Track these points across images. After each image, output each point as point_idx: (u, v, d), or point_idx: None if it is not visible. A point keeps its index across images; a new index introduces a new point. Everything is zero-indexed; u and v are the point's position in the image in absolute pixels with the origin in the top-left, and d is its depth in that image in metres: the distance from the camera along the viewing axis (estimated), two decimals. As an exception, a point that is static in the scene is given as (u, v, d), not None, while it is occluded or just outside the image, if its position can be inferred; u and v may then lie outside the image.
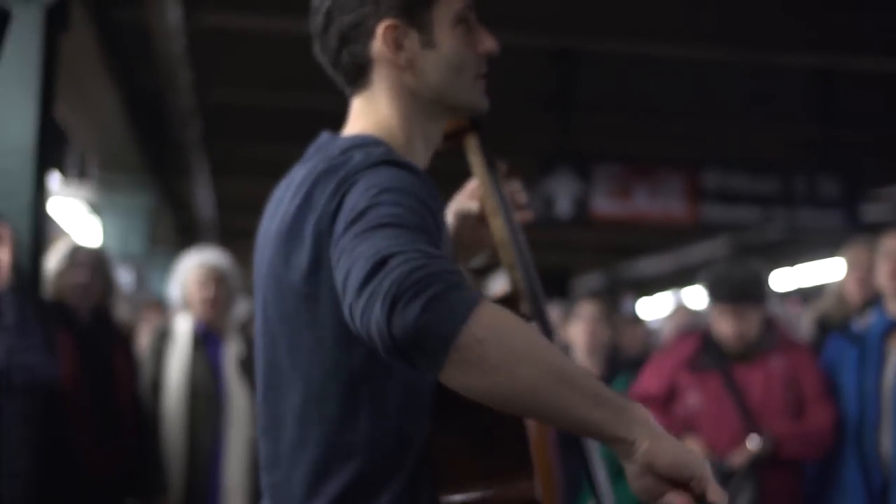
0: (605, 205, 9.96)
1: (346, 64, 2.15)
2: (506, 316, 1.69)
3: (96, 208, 12.58)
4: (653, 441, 1.69)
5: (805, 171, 10.41)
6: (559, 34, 8.87)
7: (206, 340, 5.77)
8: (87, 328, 5.41)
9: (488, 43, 2.17)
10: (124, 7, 7.41)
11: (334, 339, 1.97)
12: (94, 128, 9.94)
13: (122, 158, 11.33)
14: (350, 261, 1.76)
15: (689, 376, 5.12)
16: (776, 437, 4.86)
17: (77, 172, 12.31)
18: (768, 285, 5.24)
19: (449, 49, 2.12)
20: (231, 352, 5.74)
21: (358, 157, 1.99)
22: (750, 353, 5.07)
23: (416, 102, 2.14)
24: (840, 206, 10.37)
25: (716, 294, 5.15)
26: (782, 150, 11.84)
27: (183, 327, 5.77)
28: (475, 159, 2.35)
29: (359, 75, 2.15)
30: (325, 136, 2.18)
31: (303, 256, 1.98)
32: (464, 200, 2.44)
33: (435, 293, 1.64)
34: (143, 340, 6.92)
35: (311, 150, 2.16)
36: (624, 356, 7.07)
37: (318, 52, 2.19)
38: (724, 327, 5.09)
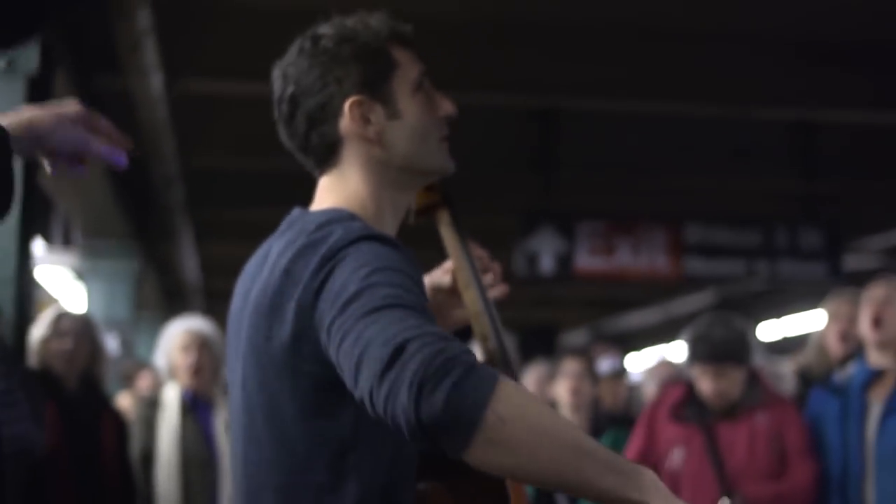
0: (588, 261, 9.99)
1: (315, 145, 2.20)
2: (524, 393, 1.76)
3: (81, 274, 12.56)
4: (664, 502, 1.75)
5: (787, 224, 10.46)
6: (540, 93, 8.94)
7: (195, 407, 5.77)
8: (73, 397, 5.39)
9: (447, 106, 2.23)
10: (106, 75, 7.45)
11: (318, 409, 2.00)
12: (78, 194, 9.97)
13: (106, 224, 11.33)
14: (360, 345, 1.80)
15: (674, 428, 5.10)
16: (751, 500, 4.84)
17: (61, 239, 12.30)
18: (751, 344, 5.22)
19: (413, 117, 2.17)
20: (221, 417, 5.74)
21: (338, 232, 2.02)
22: (734, 410, 5.06)
23: (387, 174, 2.18)
24: (822, 258, 10.41)
25: (696, 353, 5.14)
26: (764, 203, 11.91)
27: (171, 395, 5.77)
28: (447, 233, 2.38)
29: (329, 154, 2.20)
30: (296, 211, 2.21)
31: (284, 330, 2.01)
32: (438, 274, 2.47)
33: (458, 377, 1.70)
34: (124, 403, 6.91)
35: (284, 225, 2.20)
36: (605, 412, 7.09)
37: (286, 139, 2.23)
38: (705, 386, 5.07)
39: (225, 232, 13.97)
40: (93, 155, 2.00)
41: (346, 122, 2.15)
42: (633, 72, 8.65)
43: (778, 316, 17.28)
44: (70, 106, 2.00)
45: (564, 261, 9.88)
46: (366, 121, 2.15)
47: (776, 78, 8.86)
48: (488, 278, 2.45)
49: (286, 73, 2.18)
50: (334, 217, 2.10)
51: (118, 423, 5.64)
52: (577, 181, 10.80)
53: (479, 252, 2.46)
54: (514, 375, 2.25)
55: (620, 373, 7.79)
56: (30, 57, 4.84)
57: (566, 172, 10.15)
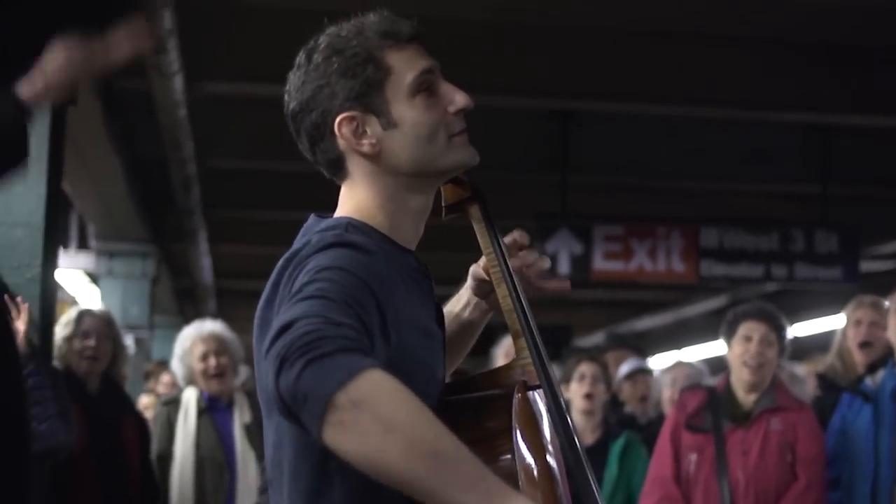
0: (605, 264, 9.99)
1: (321, 161, 2.18)
2: (390, 384, 1.70)
3: (95, 277, 12.57)
4: None
5: (803, 227, 10.46)
6: (557, 96, 8.94)
7: (213, 408, 5.79)
8: (95, 397, 5.40)
9: (459, 99, 2.15)
10: (127, 76, 7.47)
11: None
12: (95, 196, 9.98)
13: (122, 226, 11.35)
14: (270, 330, 1.80)
15: (691, 436, 5.09)
16: None
17: (76, 242, 12.32)
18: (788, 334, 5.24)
19: (412, 123, 2.11)
20: (239, 417, 5.75)
21: (314, 240, 2.01)
22: (749, 415, 5.03)
23: (396, 181, 2.14)
24: (837, 261, 10.42)
25: (746, 313, 5.13)
26: (780, 207, 11.90)
27: (189, 398, 5.79)
28: (479, 228, 2.33)
29: (336, 168, 2.18)
30: (311, 219, 2.20)
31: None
32: (478, 266, 2.42)
33: (319, 354, 1.68)
34: (144, 402, 6.92)
35: (300, 232, 2.19)
36: (625, 414, 7.09)
37: (303, 152, 2.22)
38: (748, 350, 5.03)
39: (238, 233, 13.99)
40: None
41: (340, 139, 2.13)
42: (650, 75, 8.65)
43: (791, 319, 17.25)
44: None
45: (581, 263, 9.89)
46: (359, 135, 2.11)
47: (791, 81, 8.86)
48: (510, 238, 2.38)
49: (289, 88, 2.16)
50: (329, 225, 2.10)
51: (140, 423, 5.66)
52: (594, 184, 10.81)
53: (517, 235, 2.39)
54: (548, 373, 2.19)
55: (640, 372, 7.78)
56: (56, 59, 4.84)
57: (583, 175, 10.16)
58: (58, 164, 5.00)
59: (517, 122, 9.71)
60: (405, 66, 2.12)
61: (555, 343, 16.51)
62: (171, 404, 5.88)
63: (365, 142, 2.12)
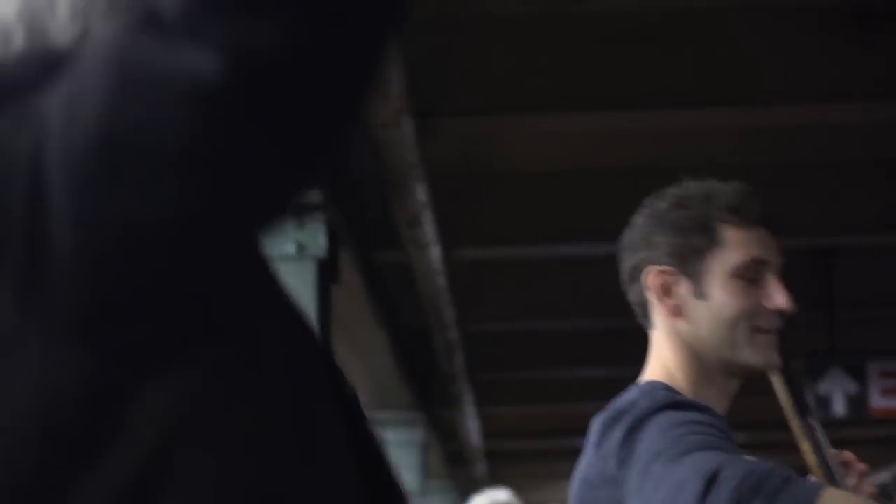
0: (883, 401, 9.66)
1: (632, 301, 2.18)
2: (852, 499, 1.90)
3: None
4: None
5: None
6: (818, 232, 8.77)
7: None
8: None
9: (778, 299, 2.09)
10: (386, 250, 7.66)
11: None
12: (363, 369, 10.18)
13: (389, 396, 11.53)
14: (673, 486, 1.82)
15: None
16: None
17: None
18: None
19: (719, 302, 2.08)
20: None
21: (644, 403, 2.00)
22: None
23: (694, 351, 2.11)
24: None
25: None
26: None
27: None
28: (781, 394, 2.27)
29: (643, 314, 2.17)
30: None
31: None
32: None
33: (774, 488, 1.76)
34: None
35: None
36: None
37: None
38: None
39: (504, 394, 14.05)
40: None
41: (648, 288, 2.12)
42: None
43: None
44: None
45: (857, 402, 9.59)
46: (665, 292, 2.10)
47: None
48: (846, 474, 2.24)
49: (629, 224, 2.19)
50: (646, 391, 2.08)
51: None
52: (864, 319, 10.50)
53: (847, 456, 2.26)
54: None
55: None
56: (318, 240, 5.01)
57: (851, 311, 9.89)
58: (326, 341, 5.14)
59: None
60: (738, 247, 2.09)
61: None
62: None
63: (670, 300, 2.10)
